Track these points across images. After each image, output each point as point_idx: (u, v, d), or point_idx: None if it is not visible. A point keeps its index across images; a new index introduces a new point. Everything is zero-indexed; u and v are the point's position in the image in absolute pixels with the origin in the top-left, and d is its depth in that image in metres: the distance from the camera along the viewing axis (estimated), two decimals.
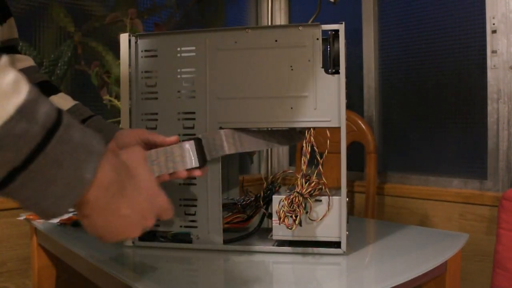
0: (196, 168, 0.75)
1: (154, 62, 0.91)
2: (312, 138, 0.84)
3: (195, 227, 0.89)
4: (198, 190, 0.89)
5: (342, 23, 0.83)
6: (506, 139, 1.44)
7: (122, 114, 0.92)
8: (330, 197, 0.83)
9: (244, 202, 0.97)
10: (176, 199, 0.90)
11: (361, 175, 1.78)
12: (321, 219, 0.84)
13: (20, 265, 1.48)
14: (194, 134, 0.88)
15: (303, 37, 0.85)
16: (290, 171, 0.96)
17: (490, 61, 1.46)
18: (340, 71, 0.83)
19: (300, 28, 0.85)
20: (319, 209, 0.84)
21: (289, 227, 0.81)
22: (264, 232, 0.94)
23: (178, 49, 0.89)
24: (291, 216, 0.81)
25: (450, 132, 1.61)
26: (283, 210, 0.81)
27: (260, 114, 0.86)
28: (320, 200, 0.84)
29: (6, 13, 0.83)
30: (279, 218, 0.82)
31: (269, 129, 0.89)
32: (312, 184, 0.83)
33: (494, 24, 1.44)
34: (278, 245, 0.88)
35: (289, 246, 0.87)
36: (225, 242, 0.89)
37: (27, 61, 0.90)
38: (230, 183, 1.09)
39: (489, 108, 1.47)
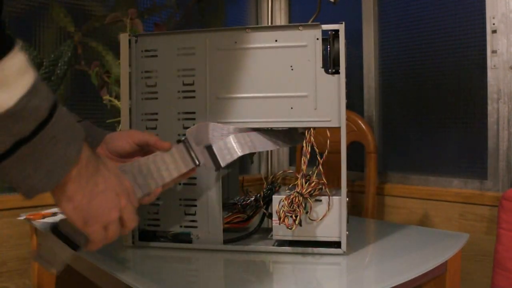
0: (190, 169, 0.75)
1: (154, 62, 0.91)
2: (312, 138, 0.84)
3: (195, 227, 0.89)
4: (198, 190, 0.89)
5: (342, 23, 0.83)
6: (506, 139, 1.44)
7: (122, 114, 0.92)
8: (330, 197, 0.83)
9: (244, 202, 0.97)
10: (176, 199, 0.90)
11: (361, 175, 1.78)
12: (321, 219, 0.84)
13: (20, 265, 1.48)
14: None
15: (303, 37, 0.85)
16: (290, 171, 0.96)
17: (490, 61, 1.46)
18: (340, 71, 0.83)
19: (300, 28, 0.85)
20: (319, 209, 0.84)
21: (289, 227, 0.81)
22: (264, 232, 0.94)
23: (178, 49, 0.89)
24: (291, 216, 0.81)
25: (450, 132, 1.61)
26: (283, 210, 0.81)
27: (260, 114, 0.86)
28: (320, 200, 0.84)
29: None
30: (279, 218, 0.82)
31: (269, 128, 0.89)
32: (312, 184, 0.83)
33: (494, 24, 1.44)
34: (278, 245, 0.88)
35: (289, 246, 0.87)
36: (225, 242, 0.89)
37: None
38: (230, 183, 1.09)
39: (489, 108, 1.47)
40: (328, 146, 0.85)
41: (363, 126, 1.56)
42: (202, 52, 0.88)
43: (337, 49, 0.83)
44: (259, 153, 2.06)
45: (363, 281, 0.77)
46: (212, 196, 0.88)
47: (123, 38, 0.91)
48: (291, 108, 0.85)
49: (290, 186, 0.90)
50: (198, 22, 2.05)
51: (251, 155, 1.95)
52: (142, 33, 1.39)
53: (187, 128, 0.89)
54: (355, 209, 1.77)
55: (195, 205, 0.89)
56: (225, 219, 0.93)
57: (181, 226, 0.90)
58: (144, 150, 0.77)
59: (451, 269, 0.90)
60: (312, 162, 0.85)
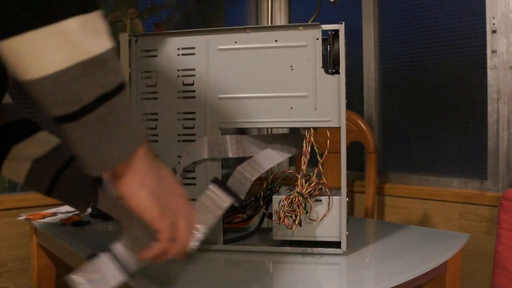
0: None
1: (154, 62, 0.91)
2: (312, 138, 0.84)
3: None
4: (198, 190, 0.89)
5: (342, 23, 0.83)
6: (506, 139, 1.44)
7: None
8: (330, 197, 0.83)
9: (244, 202, 0.97)
10: None
11: (361, 175, 1.78)
12: (321, 219, 0.84)
13: (20, 265, 1.48)
14: (194, 134, 0.88)
15: (303, 37, 0.85)
16: (290, 171, 0.95)
17: (490, 61, 1.46)
18: (340, 71, 0.83)
19: (300, 28, 0.85)
20: (319, 209, 0.84)
21: (289, 227, 0.81)
22: (264, 232, 0.94)
23: (178, 49, 0.89)
24: (291, 216, 0.81)
25: (450, 132, 1.61)
26: (283, 210, 0.81)
27: (260, 114, 0.86)
28: (320, 200, 0.84)
29: None
30: (279, 218, 0.82)
31: (270, 130, 0.89)
32: (312, 184, 0.83)
33: (494, 24, 1.44)
34: (278, 245, 0.88)
35: (289, 246, 0.87)
36: (225, 242, 0.89)
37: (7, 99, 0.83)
38: None
39: (489, 108, 1.47)
40: (328, 146, 0.85)
41: (363, 126, 1.56)
42: (202, 52, 0.88)
43: (337, 49, 0.83)
44: None
45: (363, 281, 0.77)
46: None
47: (123, 38, 0.91)
48: (291, 108, 0.85)
49: (290, 186, 0.90)
50: (198, 22, 2.05)
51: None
52: (142, 33, 1.39)
53: (187, 128, 0.89)
54: (355, 209, 1.77)
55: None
56: (225, 219, 0.93)
57: None
58: None
59: (451, 269, 0.90)
60: (312, 162, 0.85)
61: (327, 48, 0.84)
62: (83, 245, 0.96)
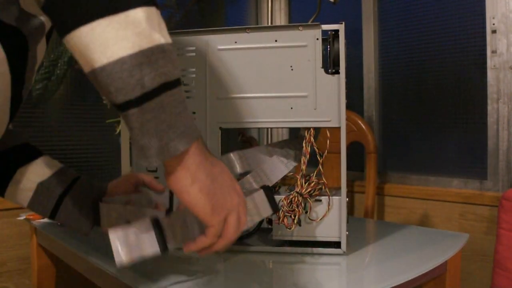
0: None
1: None
2: (312, 138, 0.84)
3: None
4: None
5: (342, 23, 0.83)
6: (506, 139, 1.44)
7: None
8: (330, 197, 0.83)
9: None
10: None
11: (361, 175, 1.78)
12: (321, 219, 0.84)
13: (20, 265, 1.48)
14: None
15: (303, 37, 0.85)
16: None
17: (490, 61, 1.46)
18: (340, 71, 0.83)
19: (300, 28, 0.85)
20: (319, 209, 0.84)
21: (288, 227, 0.81)
22: (264, 232, 0.94)
23: (178, 49, 0.89)
24: (290, 216, 0.81)
25: (450, 132, 1.61)
26: (282, 210, 0.81)
27: (260, 114, 0.86)
28: (320, 200, 0.84)
29: None
30: (279, 218, 0.82)
31: (270, 130, 0.89)
32: (312, 184, 0.83)
33: (494, 24, 1.44)
34: (278, 245, 0.88)
35: (289, 246, 0.87)
36: None
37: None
38: None
39: (489, 108, 1.47)
40: (328, 146, 0.85)
41: (363, 126, 1.56)
42: (202, 52, 0.88)
43: (337, 49, 0.83)
44: None
45: (363, 281, 0.77)
46: None
47: None
48: (291, 108, 0.85)
49: (290, 186, 0.90)
50: (198, 22, 2.05)
51: None
52: None
53: None
54: (355, 209, 1.77)
55: None
56: None
57: None
58: (137, 188, 0.79)
59: (451, 269, 0.90)
60: (312, 162, 0.85)
61: (327, 48, 0.84)
62: (83, 245, 0.96)
